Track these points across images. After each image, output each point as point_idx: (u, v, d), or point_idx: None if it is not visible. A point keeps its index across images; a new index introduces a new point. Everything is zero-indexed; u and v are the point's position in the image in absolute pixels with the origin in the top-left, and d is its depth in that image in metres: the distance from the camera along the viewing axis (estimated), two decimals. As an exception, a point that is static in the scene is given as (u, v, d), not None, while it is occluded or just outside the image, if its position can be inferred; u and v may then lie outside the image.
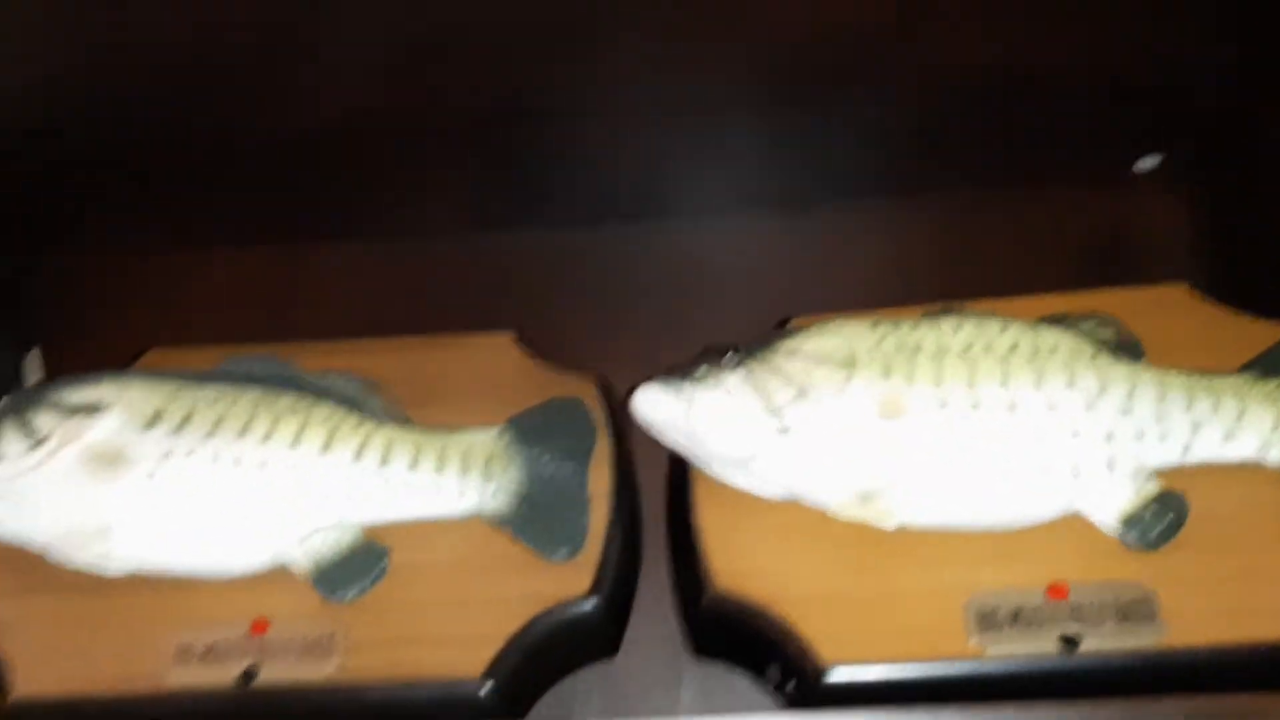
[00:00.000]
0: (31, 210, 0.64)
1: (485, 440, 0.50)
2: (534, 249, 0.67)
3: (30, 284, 0.67)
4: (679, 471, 0.51)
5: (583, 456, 0.50)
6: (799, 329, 0.51)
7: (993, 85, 0.60)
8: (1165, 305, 0.53)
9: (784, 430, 0.47)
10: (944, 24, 0.57)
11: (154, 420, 0.49)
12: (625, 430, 0.53)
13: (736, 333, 0.57)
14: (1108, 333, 0.50)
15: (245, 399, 0.50)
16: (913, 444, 0.47)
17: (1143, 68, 0.59)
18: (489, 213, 0.67)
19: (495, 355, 0.56)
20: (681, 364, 0.50)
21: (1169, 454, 0.47)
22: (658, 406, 0.48)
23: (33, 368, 0.66)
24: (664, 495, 0.53)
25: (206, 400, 0.50)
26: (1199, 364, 0.50)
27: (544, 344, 0.57)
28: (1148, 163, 0.65)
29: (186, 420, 0.49)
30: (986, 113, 0.62)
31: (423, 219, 0.67)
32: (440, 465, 0.49)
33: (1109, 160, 0.65)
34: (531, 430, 0.50)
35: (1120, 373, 0.48)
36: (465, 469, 0.49)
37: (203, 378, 0.51)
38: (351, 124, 0.60)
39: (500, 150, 0.63)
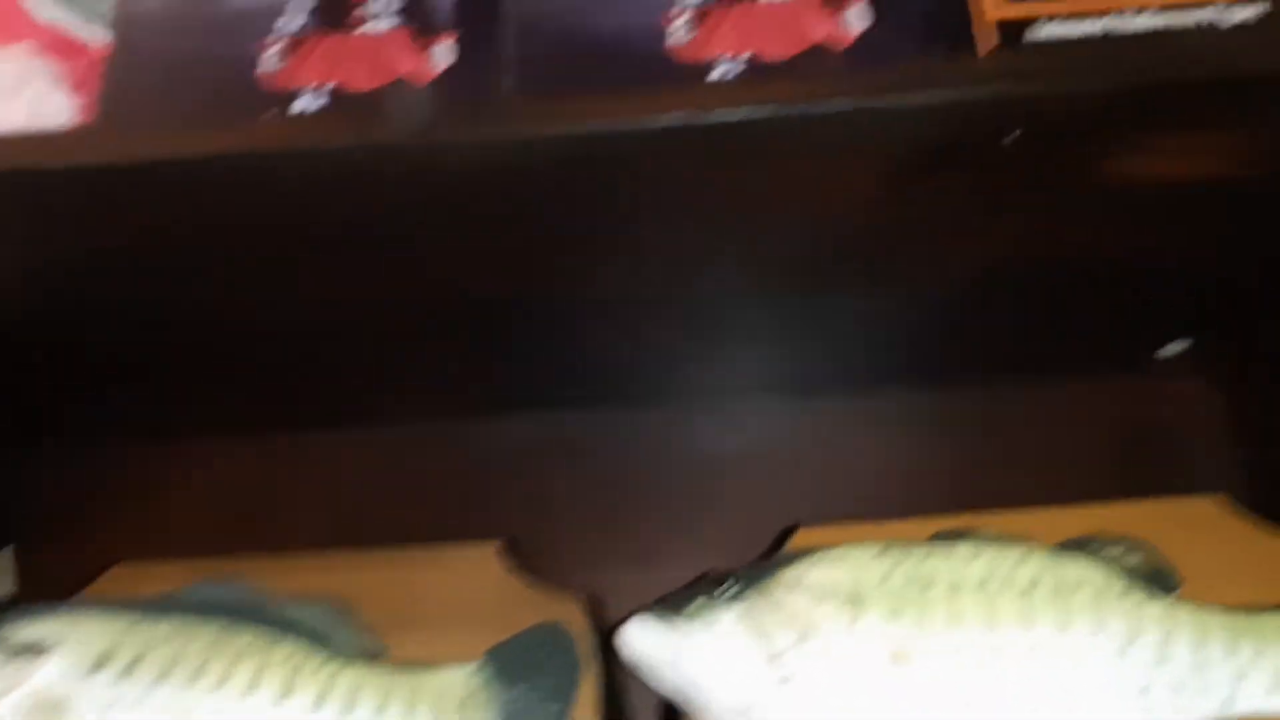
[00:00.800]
0: (3, 407, 0.62)
1: (460, 680, 0.46)
2: (529, 438, 0.64)
3: (3, 482, 0.64)
4: (673, 714, 0.47)
5: (565, 696, 0.46)
6: (802, 552, 0.47)
7: (1010, 275, 0.57)
8: (1201, 521, 0.49)
9: (784, 680, 0.43)
10: (960, 216, 0.55)
11: (101, 663, 0.45)
12: (614, 660, 0.49)
13: (739, 530, 0.54)
14: (1137, 560, 0.46)
15: (202, 636, 0.46)
16: (926, 695, 0.42)
17: (1165, 253, 0.56)
18: (479, 400, 0.65)
19: (477, 570, 0.52)
20: (674, 594, 0.47)
21: (1208, 708, 0.43)
22: (647, 647, 0.44)
23: (5, 569, 0.63)
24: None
25: (160, 638, 0.46)
26: (1239, 592, 0.45)
27: (534, 545, 0.54)
28: (1173, 348, 0.61)
29: (136, 662, 0.45)
30: (1004, 302, 0.59)
31: (409, 407, 0.64)
32: (409, 712, 0.45)
33: (1133, 348, 0.61)
34: (511, 666, 0.47)
35: (1153, 614, 0.44)
36: (437, 716, 0.45)
37: (160, 608, 0.47)
38: (335, 315, 0.58)
39: (492, 337, 0.61)
